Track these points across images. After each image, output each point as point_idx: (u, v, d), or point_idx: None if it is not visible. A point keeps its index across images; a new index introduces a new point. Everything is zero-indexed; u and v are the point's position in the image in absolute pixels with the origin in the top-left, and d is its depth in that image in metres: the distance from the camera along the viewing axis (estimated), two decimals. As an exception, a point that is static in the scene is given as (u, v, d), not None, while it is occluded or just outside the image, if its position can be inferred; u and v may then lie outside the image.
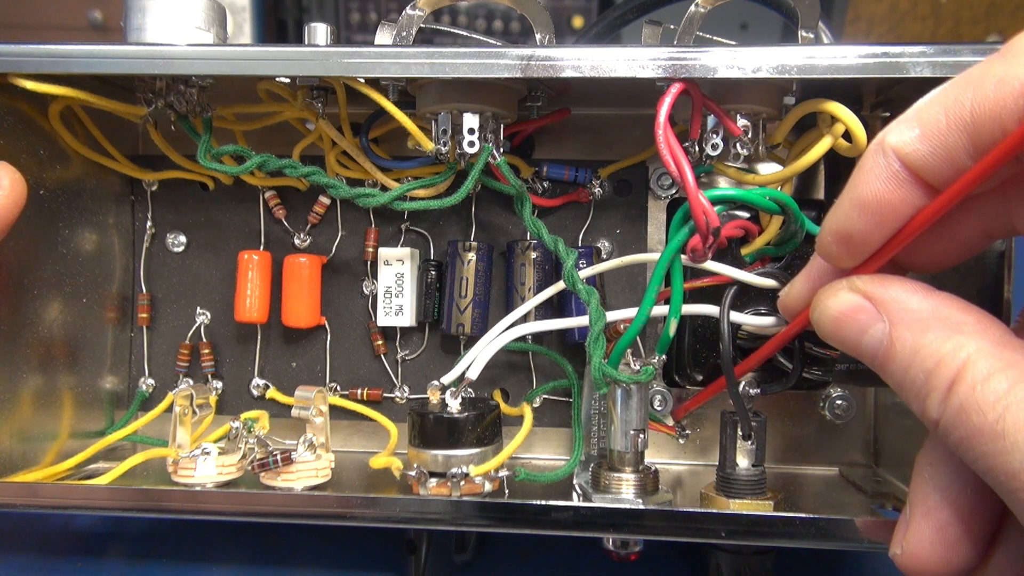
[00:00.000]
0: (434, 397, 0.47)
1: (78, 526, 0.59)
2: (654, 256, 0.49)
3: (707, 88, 0.44)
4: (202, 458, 0.48)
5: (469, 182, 0.48)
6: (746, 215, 0.48)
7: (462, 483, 0.45)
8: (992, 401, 0.27)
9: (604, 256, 0.56)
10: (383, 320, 0.55)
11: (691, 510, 0.44)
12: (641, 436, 0.45)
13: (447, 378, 0.48)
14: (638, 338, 0.50)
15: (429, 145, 0.47)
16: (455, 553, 0.53)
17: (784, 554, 0.49)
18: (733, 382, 0.45)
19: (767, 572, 0.48)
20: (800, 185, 0.54)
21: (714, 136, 0.45)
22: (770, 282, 0.46)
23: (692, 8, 0.48)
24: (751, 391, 0.46)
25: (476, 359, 0.48)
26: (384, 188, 0.52)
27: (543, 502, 0.43)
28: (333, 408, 0.54)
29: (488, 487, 0.46)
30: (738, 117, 0.45)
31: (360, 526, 0.45)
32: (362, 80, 0.47)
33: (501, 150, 0.48)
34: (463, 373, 0.48)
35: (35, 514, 0.59)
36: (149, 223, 0.58)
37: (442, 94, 0.47)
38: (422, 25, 0.49)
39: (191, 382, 0.55)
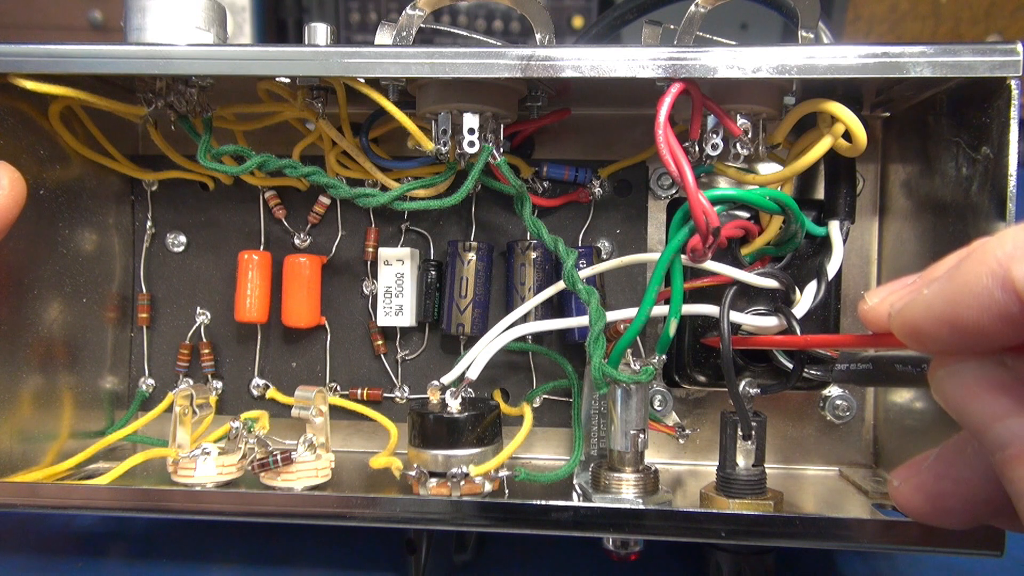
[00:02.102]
0: (434, 397, 0.47)
1: (78, 526, 0.59)
2: (654, 256, 0.49)
3: (707, 88, 0.44)
4: (202, 458, 0.49)
5: (469, 182, 0.48)
6: (746, 215, 0.48)
7: (462, 483, 0.45)
8: None
9: (604, 256, 0.56)
10: (383, 320, 0.55)
11: (691, 510, 0.44)
12: (641, 436, 0.45)
13: (447, 378, 0.49)
14: (638, 338, 0.50)
15: (429, 145, 0.47)
16: (455, 553, 0.53)
17: (784, 554, 0.49)
18: (733, 382, 0.45)
19: (767, 572, 0.48)
20: (800, 185, 0.54)
21: (714, 136, 0.45)
22: (770, 282, 0.46)
23: (692, 8, 0.48)
24: (751, 391, 0.46)
25: (476, 359, 0.48)
26: (384, 188, 0.52)
27: (543, 502, 0.43)
28: (333, 408, 0.54)
29: (488, 487, 0.46)
30: (738, 117, 0.45)
31: (360, 526, 0.44)
32: (362, 80, 0.47)
33: (501, 150, 0.48)
34: (463, 373, 0.48)
35: (35, 514, 0.59)
36: (149, 223, 0.58)
37: (442, 94, 0.47)
38: (422, 25, 0.49)
39: (191, 382, 0.55)
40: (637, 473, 0.45)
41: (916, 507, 0.35)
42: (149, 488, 0.47)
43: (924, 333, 0.31)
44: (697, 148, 0.45)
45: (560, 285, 0.48)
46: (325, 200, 0.57)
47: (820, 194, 0.52)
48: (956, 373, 0.32)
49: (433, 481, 0.45)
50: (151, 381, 0.58)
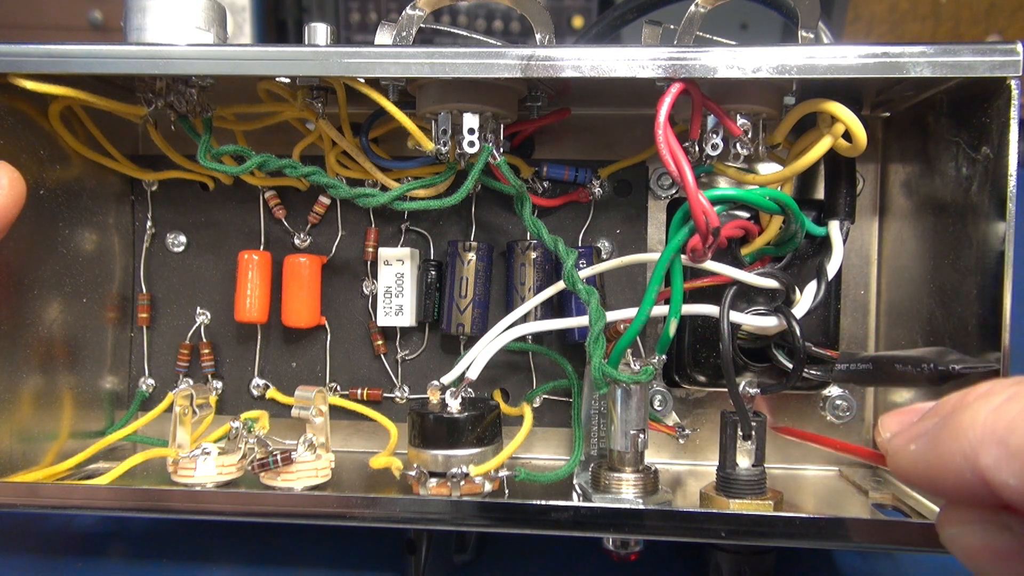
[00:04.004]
0: (434, 397, 0.47)
1: (78, 526, 0.59)
2: (654, 256, 0.49)
3: (707, 88, 0.44)
4: (202, 458, 0.48)
5: (469, 182, 0.48)
6: (746, 215, 0.48)
7: (462, 483, 0.45)
8: None
9: (604, 256, 0.56)
10: (383, 320, 0.55)
11: (691, 510, 0.44)
12: (641, 436, 0.45)
13: (447, 378, 0.49)
14: (638, 338, 0.50)
15: (429, 145, 0.47)
16: (455, 553, 0.53)
17: (784, 554, 0.49)
18: (733, 382, 0.45)
19: (767, 572, 0.48)
20: (800, 185, 0.54)
21: (714, 136, 0.45)
22: (770, 282, 0.46)
23: (692, 8, 0.48)
24: (751, 391, 0.46)
25: (476, 359, 0.48)
26: (384, 188, 0.52)
27: (543, 502, 0.43)
28: (333, 408, 0.54)
29: (488, 487, 0.46)
30: (738, 117, 0.45)
31: (360, 526, 0.45)
32: (362, 80, 0.47)
33: (501, 150, 0.48)
34: (463, 373, 0.48)
35: (35, 514, 0.59)
36: (149, 223, 0.58)
37: (442, 94, 0.47)
38: (422, 25, 0.49)
39: (191, 382, 0.55)
40: (637, 473, 0.45)
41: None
42: (149, 488, 0.47)
43: (912, 484, 0.34)
44: (697, 148, 0.45)
45: (560, 285, 0.48)
46: (325, 200, 0.57)
47: (820, 194, 0.52)
48: (963, 536, 0.33)
49: (433, 481, 0.45)
50: (151, 381, 0.58)
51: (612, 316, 0.45)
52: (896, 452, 0.34)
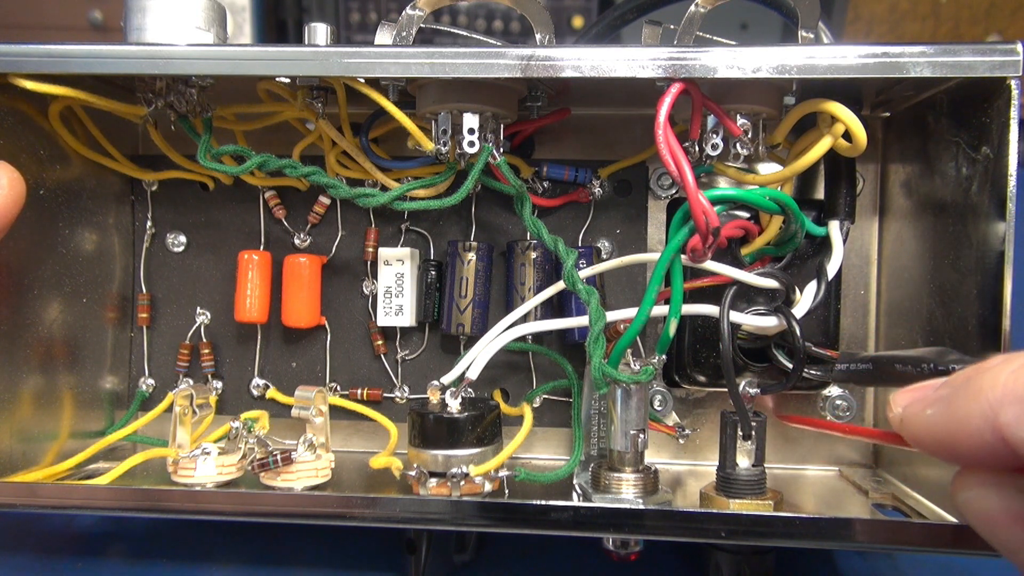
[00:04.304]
0: (434, 397, 0.47)
1: (78, 526, 0.59)
2: (654, 256, 0.49)
3: (707, 88, 0.44)
4: (202, 458, 0.48)
5: (469, 182, 0.48)
6: (746, 215, 0.48)
7: (462, 483, 0.45)
8: None
9: (604, 256, 0.56)
10: (383, 320, 0.55)
11: (691, 510, 0.44)
12: (641, 436, 0.45)
13: (447, 378, 0.49)
14: (638, 338, 0.50)
15: (429, 145, 0.47)
16: (455, 553, 0.53)
17: (784, 554, 0.49)
18: (733, 382, 0.45)
19: (767, 572, 0.48)
20: (800, 185, 0.54)
21: (714, 136, 0.45)
22: (770, 282, 0.46)
23: (692, 8, 0.48)
24: (751, 391, 0.46)
25: (476, 359, 0.48)
26: (384, 188, 0.52)
27: (543, 502, 0.43)
28: (333, 408, 0.54)
29: (488, 487, 0.46)
30: (738, 117, 0.45)
31: (360, 526, 0.44)
32: (362, 80, 0.47)
33: (501, 150, 0.48)
34: (463, 373, 0.48)
35: (35, 514, 0.59)
36: (149, 223, 0.58)
37: (442, 94, 0.47)
38: (422, 25, 0.49)
39: (191, 382, 0.55)
40: (637, 473, 0.45)
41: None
42: (149, 488, 0.47)
43: (927, 450, 0.33)
44: (697, 148, 0.45)
45: (560, 285, 0.48)
46: (325, 200, 0.57)
47: (820, 194, 0.52)
48: (979, 500, 0.33)
49: (433, 481, 0.45)
50: (151, 381, 0.58)
51: (612, 316, 0.45)
52: (911, 419, 0.34)
